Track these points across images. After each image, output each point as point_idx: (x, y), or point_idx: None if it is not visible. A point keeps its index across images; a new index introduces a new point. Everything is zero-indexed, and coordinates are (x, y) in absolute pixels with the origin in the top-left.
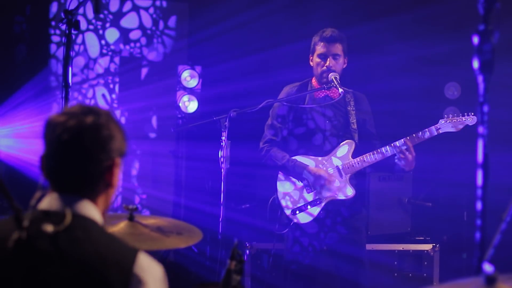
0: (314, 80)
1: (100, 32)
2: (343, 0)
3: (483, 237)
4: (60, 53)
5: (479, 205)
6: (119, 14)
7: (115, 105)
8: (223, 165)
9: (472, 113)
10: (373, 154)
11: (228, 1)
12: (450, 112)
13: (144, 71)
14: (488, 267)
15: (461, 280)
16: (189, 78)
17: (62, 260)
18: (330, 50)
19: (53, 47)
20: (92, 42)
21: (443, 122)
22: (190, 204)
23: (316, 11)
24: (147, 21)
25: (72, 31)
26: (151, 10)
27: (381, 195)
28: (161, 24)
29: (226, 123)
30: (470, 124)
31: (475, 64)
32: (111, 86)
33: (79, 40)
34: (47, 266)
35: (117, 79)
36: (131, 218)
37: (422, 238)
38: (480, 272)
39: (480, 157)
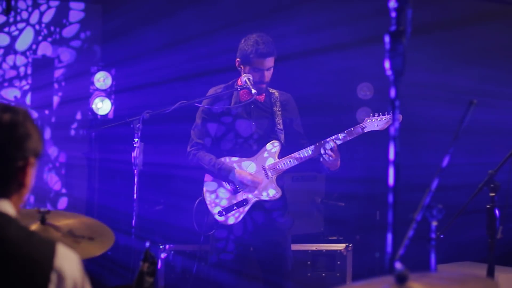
0: (239, 82)
1: (40, 38)
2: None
3: (395, 236)
4: None
5: (390, 205)
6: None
7: (27, 106)
8: (136, 167)
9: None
10: (299, 154)
11: (141, 2)
12: (363, 113)
13: (57, 72)
14: (399, 266)
15: (374, 279)
16: (102, 79)
17: None
18: (264, 65)
19: None
20: (27, 37)
21: (369, 121)
22: (104, 207)
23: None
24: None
25: None
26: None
27: (294, 195)
28: (74, 25)
29: (139, 124)
30: None
31: (387, 65)
32: (24, 87)
33: (21, 25)
34: None
35: (29, 81)
36: (42, 221)
37: (335, 238)
38: (392, 270)
39: (392, 155)
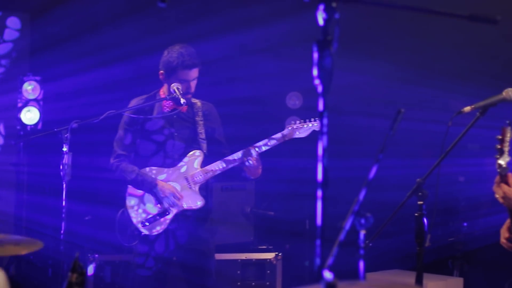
0: (162, 92)
1: None
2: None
3: (323, 245)
4: None
5: (319, 211)
6: None
7: None
8: (64, 177)
9: (317, 118)
10: (221, 163)
11: (70, 12)
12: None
13: None
14: (328, 275)
15: (303, 287)
16: (30, 89)
17: None
18: (190, 76)
19: None
20: None
21: (289, 128)
22: (32, 217)
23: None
24: None
25: None
26: None
27: (223, 205)
28: (7, 44)
29: (68, 134)
30: (316, 130)
31: (315, 73)
32: None
33: None
34: None
35: None
36: None
37: (265, 247)
38: (321, 279)
39: (320, 150)
